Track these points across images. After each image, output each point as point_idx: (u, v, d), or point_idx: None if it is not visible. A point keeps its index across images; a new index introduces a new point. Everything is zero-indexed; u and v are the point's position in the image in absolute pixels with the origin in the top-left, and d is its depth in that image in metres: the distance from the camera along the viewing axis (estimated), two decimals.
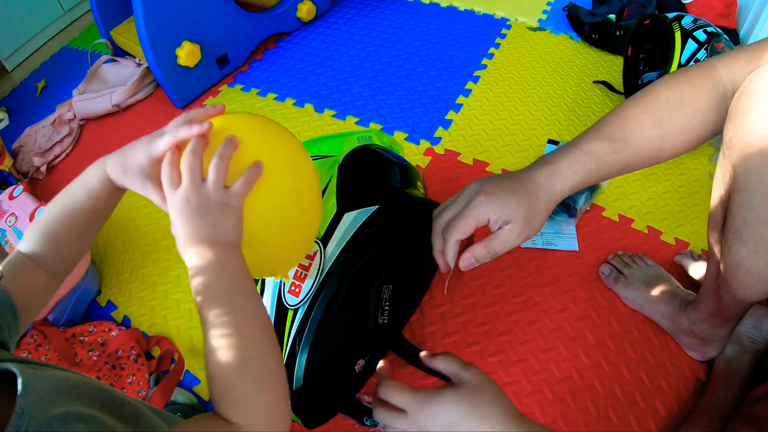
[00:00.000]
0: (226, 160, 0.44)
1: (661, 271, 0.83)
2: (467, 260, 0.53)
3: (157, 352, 0.85)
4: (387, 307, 0.67)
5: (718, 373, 0.73)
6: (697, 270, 0.83)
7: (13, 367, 0.32)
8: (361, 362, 0.70)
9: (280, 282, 0.58)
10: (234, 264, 0.44)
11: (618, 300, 0.83)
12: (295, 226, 0.49)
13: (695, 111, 0.52)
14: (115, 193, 0.52)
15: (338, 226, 0.58)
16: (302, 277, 0.57)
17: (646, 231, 0.92)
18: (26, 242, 0.48)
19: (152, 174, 0.47)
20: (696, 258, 0.85)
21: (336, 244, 0.58)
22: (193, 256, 0.42)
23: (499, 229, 0.52)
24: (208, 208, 0.43)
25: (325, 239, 0.58)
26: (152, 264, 0.98)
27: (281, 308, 0.58)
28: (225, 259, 0.43)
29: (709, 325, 0.70)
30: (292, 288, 0.57)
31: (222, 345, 0.43)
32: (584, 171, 0.51)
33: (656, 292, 0.78)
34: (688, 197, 0.97)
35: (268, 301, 0.58)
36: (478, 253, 0.52)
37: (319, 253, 0.58)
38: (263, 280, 0.60)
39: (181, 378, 0.82)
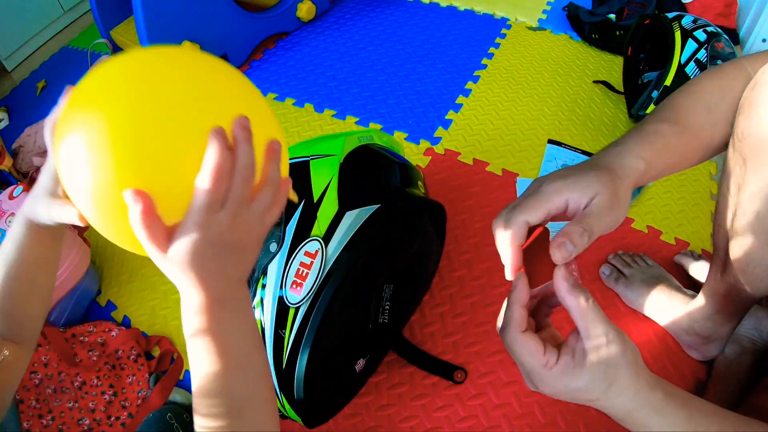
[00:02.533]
0: (279, 185, 0.38)
1: (661, 271, 0.83)
2: (562, 246, 0.39)
3: (156, 352, 0.85)
4: (387, 307, 0.67)
5: (718, 373, 0.73)
6: (698, 270, 0.82)
7: None
8: (361, 362, 0.70)
9: (282, 279, 0.58)
10: (250, 309, 0.39)
11: (618, 300, 0.83)
12: None
13: (734, 101, 0.53)
14: (41, 235, 0.45)
15: (339, 225, 0.59)
16: (304, 275, 0.57)
17: (646, 231, 0.92)
18: None
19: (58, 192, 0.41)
20: (696, 258, 0.85)
21: (337, 242, 0.58)
22: (206, 297, 0.36)
23: (585, 209, 0.42)
24: (249, 242, 0.37)
25: (326, 238, 0.58)
26: (152, 264, 0.97)
27: (282, 306, 0.58)
28: (244, 303, 0.38)
29: (712, 324, 0.70)
30: (294, 286, 0.58)
31: (225, 411, 0.36)
32: (653, 148, 0.48)
33: (657, 291, 0.78)
34: (688, 197, 0.97)
35: (270, 297, 0.58)
36: (573, 234, 0.39)
37: (320, 251, 0.58)
38: (265, 275, 0.60)
39: (181, 378, 0.82)
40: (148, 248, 0.35)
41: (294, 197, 0.44)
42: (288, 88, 1.30)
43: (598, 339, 0.38)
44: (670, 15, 0.98)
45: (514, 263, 0.42)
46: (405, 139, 1.13)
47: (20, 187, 0.99)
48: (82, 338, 0.85)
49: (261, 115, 0.38)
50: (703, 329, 0.71)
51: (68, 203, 0.38)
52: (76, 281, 0.89)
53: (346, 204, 0.60)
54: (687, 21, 0.96)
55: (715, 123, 0.53)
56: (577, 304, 0.38)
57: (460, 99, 1.20)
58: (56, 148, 0.35)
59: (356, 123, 1.18)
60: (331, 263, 0.57)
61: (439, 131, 1.14)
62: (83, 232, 1.06)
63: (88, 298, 0.93)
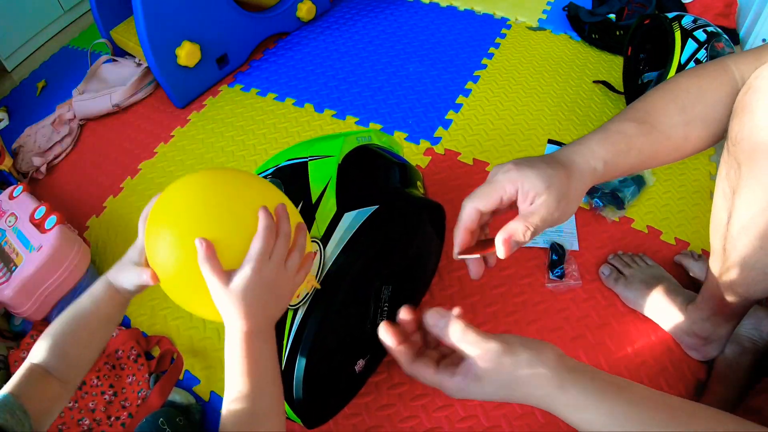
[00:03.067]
0: (304, 251, 0.51)
1: (661, 271, 0.83)
2: (506, 243, 0.44)
3: (156, 352, 0.85)
4: (386, 308, 0.67)
5: (718, 373, 0.73)
6: (698, 270, 0.83)
7: None
8: (361, 362, 0.70)
9: None
10: (275, 347, 0.50)
11: (618, 300, 0.83)
12: None
13: (714, 102, 0.52)
14: (117, 298, 0.54)
15: (338, 227, 0.58)
16: None
17: (646, 231, 0.92)
18: (39, 353, 0.50)
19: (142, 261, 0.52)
20: (696, 258, 0.85)
21: (336, 244, 0.58)
22: (248, 325, 0.46)
23: (531, 204, 0.46)
24: (285, 289, 0.50)
25: (324, 239, 0.58)
26: None
27: None
28: (272, 339, 0.50)
29: (711, 324, 0.70)
30: None
31: (246, 413, 0.46)
32: (615, 150, 0.49)
33: (657, 292, 0.78)
34: (688, 197, 0.97)
35: None
36: (515, 229, 0.44)
37: (319, 252, 0.58)
38: None
39: (181, 378, 0.82)
40: (210, 280, 0.45)
41: (317, 285, 0.56)
42: (288, 88, 1.30)
43: (484, 357, 0.41)
44: (670, 15, 0.98)
45: (461, 246, 0.49)
46: (405, 139, 1.13)
47: (20, 187, 0.99)
48: None
49: (286, 204, 0.52)
50: (702, 330, 0.71)
51: (147, 269, 0.50)
52: (76, 281, 0.89)
53: (344, 205, 0.60)
54: (687, 21, 0.95)
55: (689, 122, 0.52)
56: (452, 335, 0.43)
57: (460, 99, 1.20)
58: (147, 234, 0.49)
59: (356, 123, 1.18)
60: (330, 264, 0.57)
61: (439, 131, 1.14)
62: (83, 232, 1.06)
63: None
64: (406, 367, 0.45)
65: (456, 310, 0.44)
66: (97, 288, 0.54)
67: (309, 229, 0.59)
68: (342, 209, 0.60)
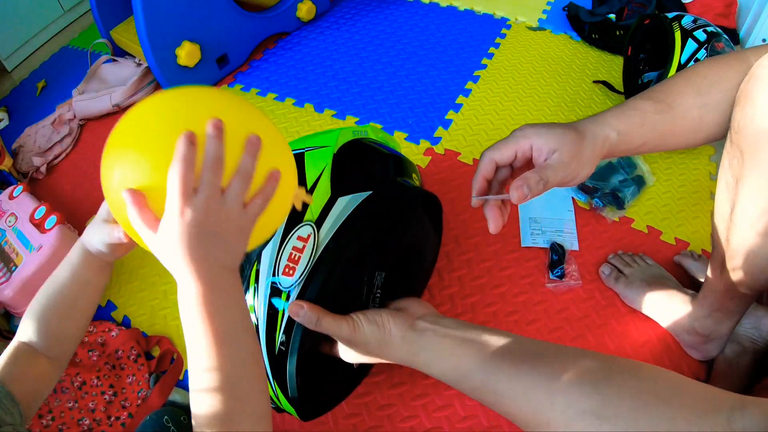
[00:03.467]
0: (252, 175, 0.40)
1: (661, 270, 0.83)
2: (520, 188, 0.46)
3: (156, 352, 0.85)
4: (378, 294, 0.67)
5: (718, 373, 0.73)
6: (698, 270, 0.83)
7: None
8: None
9: (275, 264, 0.59)
10: (240, 295, 0.43)
11: (618, 300, 0.83)
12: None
13: (730, 88, 0.53)
14: (90, 260, 0.51)
15: (331, 210, 0.59)
16: (296, 259, 0.57)
17: (646, 231, 0.92)
18: (23, 330, 0.48)
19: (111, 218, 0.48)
20: (696, 258, 0.85)
21: (329, 227, 0.58)
22: (198, 281, 0.39)
23: (545, 160, 0.49)
24: (228, 229, 0.40)
25: (318, 222, 0.58)
26: (152, 264, 0.98)
27: (275, 290, 0.58)
28: (234, 289, 0.41)
29: (712, 322, 0.70)
30: (286, 269, 0.58)
31: (218, 386, 0.38)
32: (629, 122, 0.51)
33: (657, 291, 0.78)
34: (688, 197, 0.97)
35: (263, 283, 0.58)
36: (530, 179, 0.46)
37: (312, 235, 0.58)
38: (260, 261, 0.60)
39: (181, 378, 0.82)
40: (143, 235, 0.40)
41: (308, 199, 0.50)
42: (288, 88, 1.30)
43: (345, 339, 0.54)
44: (670, 15, 0.98)
45: (478, 191, 0.52)
46: (405, 139, 1.13)
47: (20, 187, 0.99)
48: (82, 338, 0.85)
49: (245, 117, 0.43)
50: (703, 327, 0.71)
51: (116, 225, 0.46)
52: None
53: (338, 190, 0.60)
54: (687, 21, 0.96)
55: (704, 105, 0.54)
56: (314, 326, 0.53)
57: (460, 99, 1.20)
58: (102, 182, 0.41)
59: (356, 123, 1.18)
60: (323, 247, 0.57)
61: (439, 131, 1.14)
62: (83, 232, 1.06)
63: None
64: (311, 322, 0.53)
65: (305, 305, 0.53)
66: (72, 255, 0.51)
67: (303, 213, 0.59)
68: (336, 194, 0.60)
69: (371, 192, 0.61)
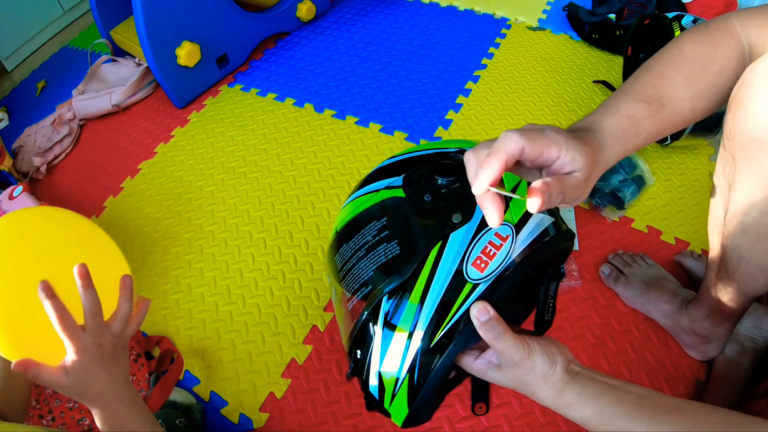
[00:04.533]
0: (130, 314, 0.53)
1: (661, 270, 0.83)
2: (543, 194, 0.39)
3: (156, 352, 0.85)
4: (551, 304, 0.65)
5: (718, 373, 0.73)
6: (698, 269, 0.83)
7: None
8: (454, 372, 0.66)
9: (466, 253, 0.54)
10: (140, 400, 0.53)
11: (618, 300, 0.83)
12: None
13: (720, 69, 0.51)
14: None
15: (528, 222, 0.56)
16: (491, 254, 0.54)
17: (646, 231, 0.92)
18: None
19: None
20: (696, 258, 0.85)
21: (525, 238, 0.55)
22: (115, 400, 0.49)
23: (564, 174, 0.43)
24: (117, 352, 0.50)
25: (518, 227, 0.55)
26: (152, 264, 0.98)
27: (458, 278, 0.53)
28: (136, 397, 0.52)
29: (710, 323, 0.70)
30: (478, 262, 0.54)
31: None
32: (625, 137, 0.48)
33: (657, 291, 0.78)
34: (688, 197, 0.97)
35: (446, 266, 0.54)
36: (553, 189, 0.40)
37: (511, 237, 0.55)
38: (445, 241, 0.55)
39: (181, 378, 0.82)
40: (53, 386, 0.48)
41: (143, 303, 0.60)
42: (288, 88, 1.30)
43: (508, 357, 0.48)
44: (670, 15, 0.98)
45: (494, 176, 0.40)
46: (405, 139, 1.13)
47: (20, 187, 0.99)
48: None
49: (105, 255, 0.56)
50: (701, 329, 0.71)
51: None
52: None
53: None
54: (687, 21, 0.95)
55: (696, 95, 0.51)
56: (492, 338, 0.48)
57: (460, 99, 1.21)
58: None
59: (356, 123, 1.18)
60: (519, 251, 0.54)
61: (439, 131, 1.14)
62: None
63: None
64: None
65: (492, 311, 0.49)
66: None
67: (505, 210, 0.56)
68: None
69: (554, 219, 0.58)
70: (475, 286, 0.53)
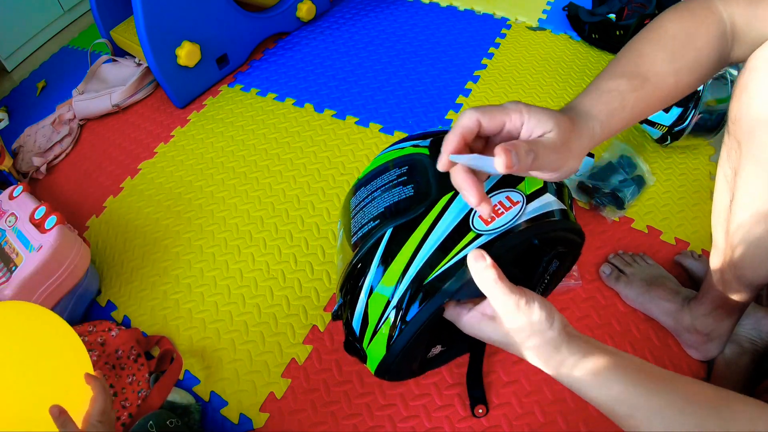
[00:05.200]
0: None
1: (661, 270, 0.83)
2: (508, 152, 0.38)
3: (156, 352, 0.85)
4: (547, 279, 0.65)
5: (717, 373, 0.73)
6: (698, 269, 0.83)
7: None
8: (438, 348, 0.68)
9: (472, 209, 0.55)
10: None
11: (618, 299, 0.83)
12: None
13: (702, 46, 0.51)
14: None
15: (537, 199, 0.56)
16: (499, 212, 0.54)
17: (646, 231, 0.92)
18: None
19: None
20: (696, 258, 0.85)
21: (533, 210, 0.55)
22: None
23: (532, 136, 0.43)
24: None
25: (529, 198, 0.56)
26: (152, 264, 0.98)
27: (463, 226, 0.54)
28: None
29: (713, 320, 0.70)
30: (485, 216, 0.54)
31: None
32: (609, 109, 0.47)
33: (658, 290, 0.78)
34: (688, 197, 0.97)
35: (454, 212, 0.54)
36: (520, 147, 0.39)
37: (522, 203, 0.55)
38: (454, 193, 0.55)
39: (180, 378, 0.82)
40: None
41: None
42: (288, 88, 1.30)
43: (505, 304, 0.46)
44: None
45: (453, 147, 0.42)
46: None
47: (20, 187, 0.99)
48: (82, 338, 0.85)
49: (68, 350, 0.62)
50: (703, 326, 0.71)
51: None
52: (76, 281, 0.89)
53: (544, 188, 0.58)
54: None
55: (679, 71, 0.50)
56: (487, 283, 0.46)
57: (460, 99, 1.21)
58: None
59: (356, 123, 1.18)
60: (525, 220, 0.54)
61: None
62: (83, 232, 1.06)
63: (88, 298, 0.94)
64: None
65: (489, 259, 0.47)
66: None
67: (517, 183, 0.57)
68: (544, 189, 0.57)
69: (563, 207, 0.58)
70: (478, 236, 0.53)
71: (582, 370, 0.45)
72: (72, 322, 0.89)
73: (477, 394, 0.75)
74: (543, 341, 0.46)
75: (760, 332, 0.73)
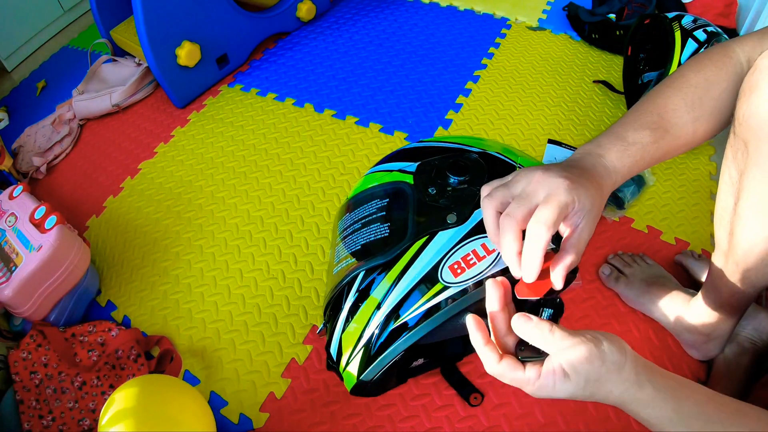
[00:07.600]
0: None
1: (661, 270, 0.83)
2: (563, 275, 0.43)
3: (156, 352, 0.85)
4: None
5: (717, 373, 0.73)
6: (698, 269, 0.83)
7: None
8: (420, 361, 0.71)
9: (446, 254, 0.56)
10: None
11: (618, 300, 0.83)
12: None
13: (720, 93, 0.53)
14: None
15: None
16: (470, 263, 0.55)
17: (646, 231, 0.92)
18: None
19: None
20: (696, 257, 0.85)
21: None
22: None
23: (575, 226, 0.45)
24: None
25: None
26: (152, 264, 0.98)
27: (431, 277, 0.55)
28: None
29: (714, 319, 0.70)
30: (455, 266, 0.55)
31: None
32: (631, 162, 0.50)
33: (657, 290, 0.78)
34: (688, 197, 0.97)
35: (424, 260, 0.56)
36: (570, 261, 0.44)
37: (498, 254, 0.56)
38: (432, 238, 0.57)
39: (180, 378, 0.82)
40: None
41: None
42: (288, 88, 1.30)
43: (575, 357, 0.41)
44: (670, 15, 0.98)
45: (535, 272, 0.43)
46: (405, 139, 1.13)
47: (20, 187, 0.99)
48: (82, 338, 0.85)
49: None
50: (704, 326, 0.71)
51: None
52: (76, 281, 0.89)
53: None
54: (687, 21, 0.95)
55: (698, 119, 0.53)
56: (542, 336, 0.42)
57: (460, 99, 1.20)
58: None
59: (356, 123, 1.18)
60: (498, 270, 0.55)
61: (439, 131, 1.14)
62: (83, 232, 1.06)
63: (88, 298, 0.94)
64: (491, 366, 0.44)
65: (533, 318, 0.43)
66: None
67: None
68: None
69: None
70: (445, 287, 0.55)
71: (665, 409, 0.42)
72: (72, 322, 0.89)
73: (466, 390, 0.75)
74: (621, 380, 0.41)
75: (761, 333, 0.73)
